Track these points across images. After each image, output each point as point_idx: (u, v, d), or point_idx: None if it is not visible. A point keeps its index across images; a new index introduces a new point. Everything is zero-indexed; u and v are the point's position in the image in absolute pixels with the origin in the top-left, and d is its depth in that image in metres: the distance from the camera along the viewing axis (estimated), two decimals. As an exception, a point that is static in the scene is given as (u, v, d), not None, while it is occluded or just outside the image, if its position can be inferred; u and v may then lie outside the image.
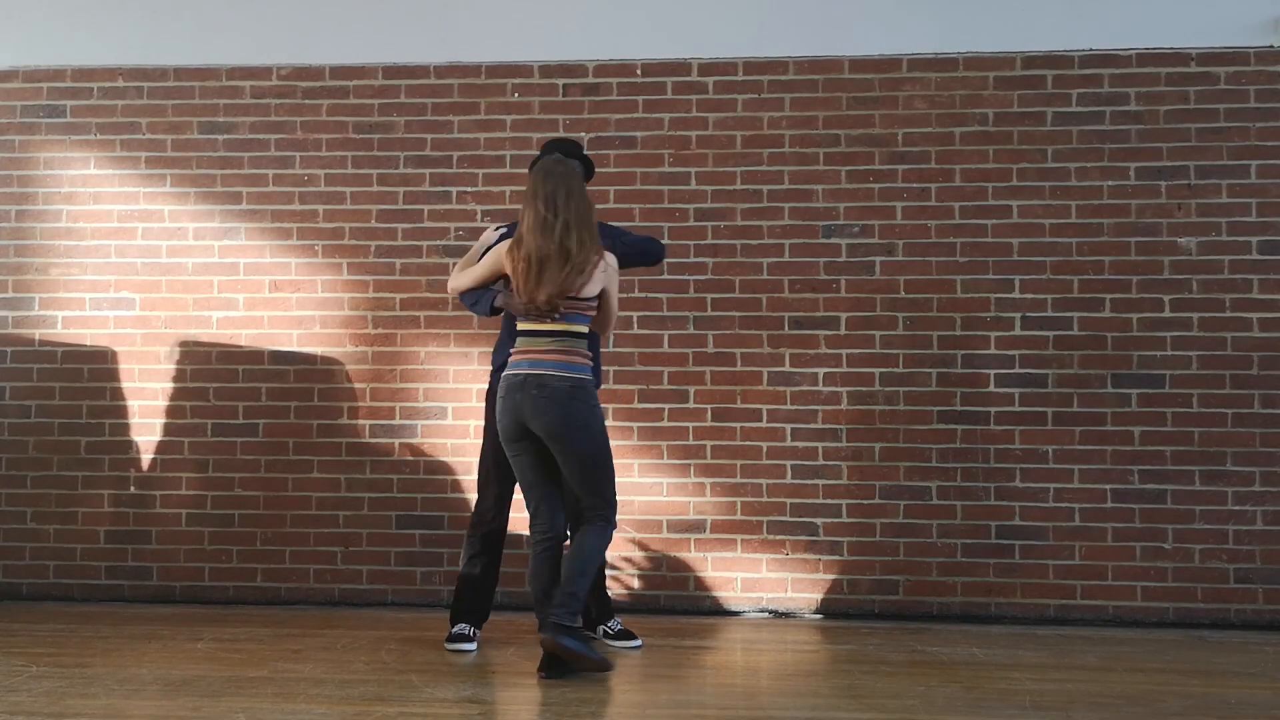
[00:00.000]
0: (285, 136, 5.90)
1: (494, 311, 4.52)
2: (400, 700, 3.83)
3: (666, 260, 5.62)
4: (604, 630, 4.82)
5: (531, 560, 4.34)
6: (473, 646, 4.63)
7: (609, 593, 5.10)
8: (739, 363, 5.63)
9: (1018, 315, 5.55)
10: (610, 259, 4.29)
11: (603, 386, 5.62)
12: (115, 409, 5.86)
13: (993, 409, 5.53)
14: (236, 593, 5.75)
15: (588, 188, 4.41)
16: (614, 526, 4.33)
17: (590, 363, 4.31)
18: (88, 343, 5.89)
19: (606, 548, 4.38)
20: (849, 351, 5.60)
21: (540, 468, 4.31)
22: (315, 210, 5.86)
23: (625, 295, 5.49)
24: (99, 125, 5.97)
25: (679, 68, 5.77)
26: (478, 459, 4.83)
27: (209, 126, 5.93)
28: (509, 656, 4.55)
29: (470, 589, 4.72)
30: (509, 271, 4.29)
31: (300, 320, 5.82)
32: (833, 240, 5.65)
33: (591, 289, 4.23)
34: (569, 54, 5.80)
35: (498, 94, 5.83)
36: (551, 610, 4.14)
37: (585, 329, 4.29)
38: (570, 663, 4.14)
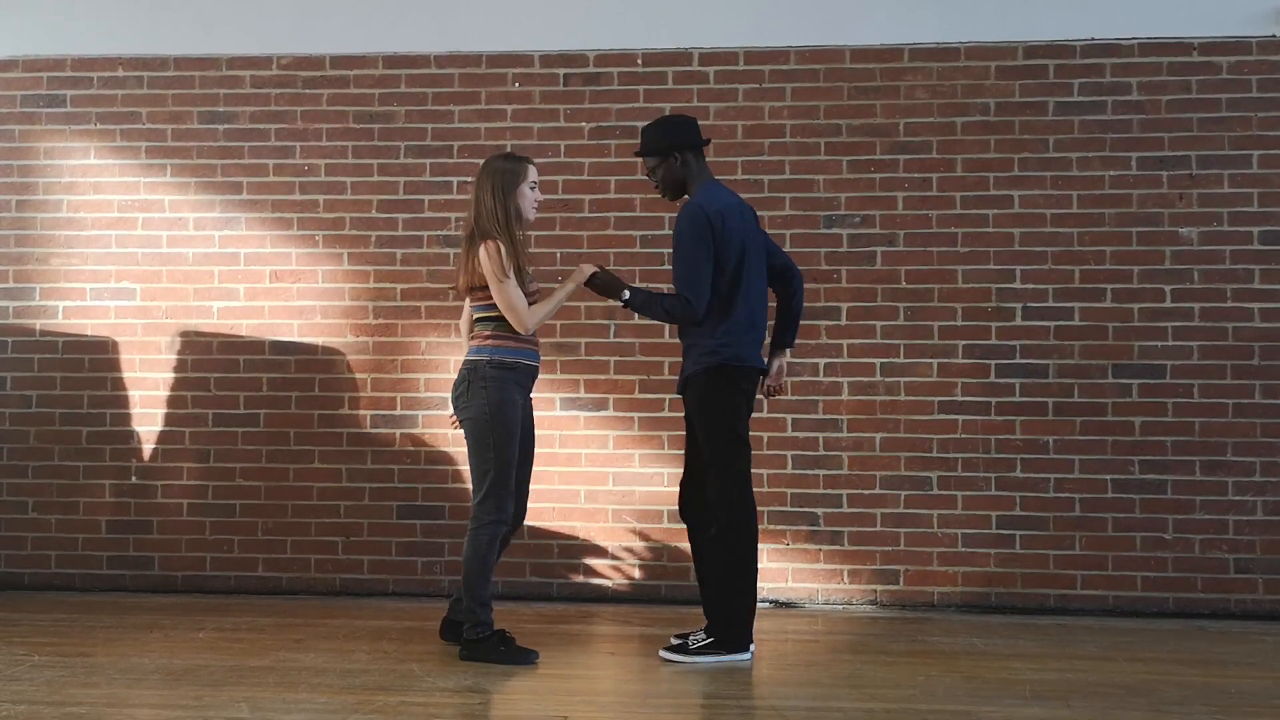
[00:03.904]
0: (286, 126, 5.89)
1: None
2: (401, 689, 3.84)
3: (667, 251, 5.61)
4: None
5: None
6: None
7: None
8: (740, 353, 5.61)
9: (1019, 305, 5.55)
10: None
11: (604, 377, 5.67)
12: (116, 399, 5.86)
13: (993, 399, 5.53)
14: (238, 582, 5.76)
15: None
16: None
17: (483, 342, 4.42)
18: (89, 333, 5.89)
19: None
20: (849, 342, 5.60)
21: None
22: (316, 200, 5.85)
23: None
24: (99, 115, 5.96)
25: (680, 57, 5.76)
26: (718, 456, 4.39)
27: (209, 116, 5.92)
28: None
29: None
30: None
31: (301, 310, 5.82)
32: (834, 230, 5.65)
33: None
34: (570, 44, 5.79)
35: (498, 84, 5.82)
36: None
37: (484, 315, 4.43)
38: None
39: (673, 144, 4.46)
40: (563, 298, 4.53)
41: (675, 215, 5.61)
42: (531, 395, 4.62)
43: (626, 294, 4.44)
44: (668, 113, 5.37)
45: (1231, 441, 5.42)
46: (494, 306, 4.34)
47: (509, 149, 5.72)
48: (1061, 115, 5.59)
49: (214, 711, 3.55)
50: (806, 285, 5.56)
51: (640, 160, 4.69)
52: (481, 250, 4.29)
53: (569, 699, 3.78)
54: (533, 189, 4.49)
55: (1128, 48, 5.59)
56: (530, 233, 5.68)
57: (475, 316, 4.45)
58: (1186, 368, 5.46)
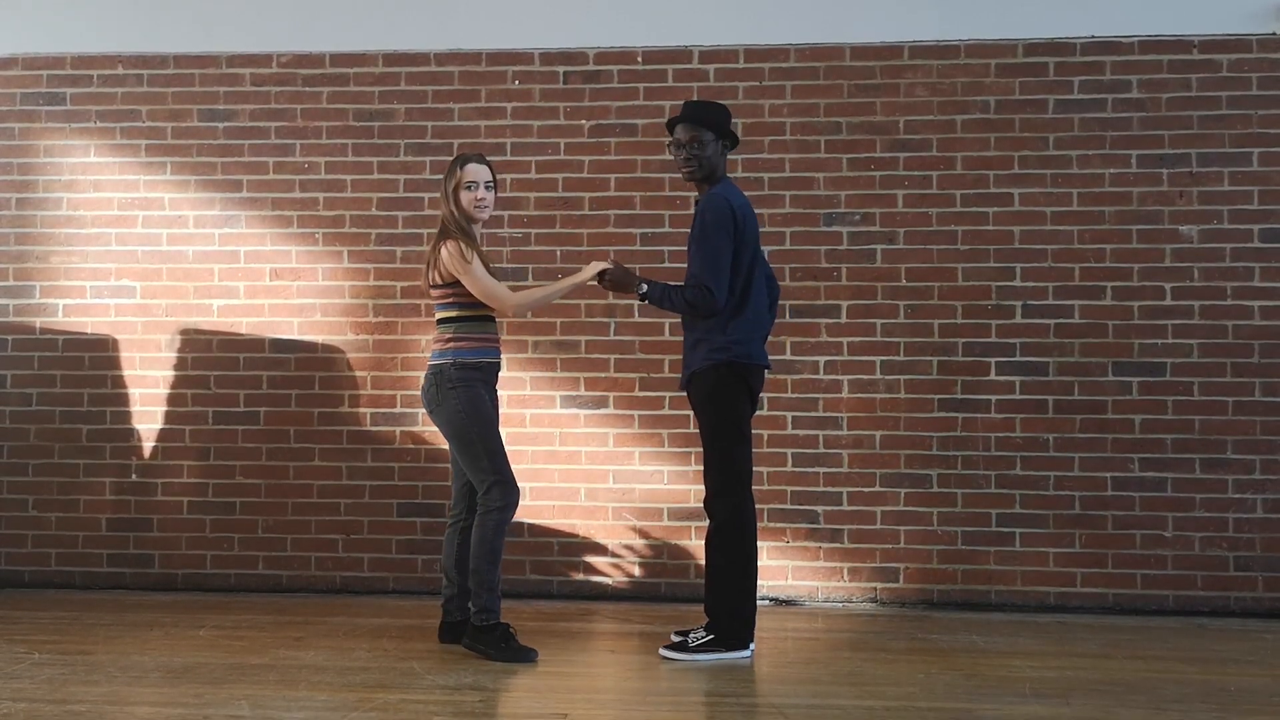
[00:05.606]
0: (285, 124, 5.89)
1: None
2: (402, 687, 3.84)
3: (667, 249, 5.64)
4: None
5: None
6: None
7: None
8: (740, 351, 5.61)
9: (1019, 303, 5.55)
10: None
11: (604, 375, 5.67)
12: (116, 397, 5.86)
13: (993, 397, 5.53)
14: (238, 580, 5.76)
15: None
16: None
17: (444, 346, 4.42)
18: (89, 331, 5.89)
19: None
20: (850, 339, 5.60)
21: None
22: (316, 198, 5.85)
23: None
24: (99, 113, 5.96)
25: (680, 55, 5.75)
26: (719, 453, 4.36)
27: (209, 114, 5.92)
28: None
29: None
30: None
31: (301, 308, 5.82)
32: (834, 228, 5.65)
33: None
34: (570, 41, 5.79)
35: (498, 81, 5.82)
36: None
37: (444, 315, 4.45)
38: None
39: (727, 131, 4.48)
40: (562, 289, 4.53)
41: (673, 213, 5.65)
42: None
43: (644, 288, 4.41)
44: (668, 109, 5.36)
45: (1231, 439, 5.42)
46: (453, 305, 4.39)
47: (508, 147, 5.74)
48: (1061, 113, 5.58)
49: (214, 709, 3.55)
50: (807, 282, 5.60)
51: (674, 133, 4.47)
52: (444, 250, 4.33)
53: (569, 696, 3.79)
54: (470, 189, 4.38)
55: (1128, 45, 5.59)
56: (525, 231, 5.72)
57: (437, 316, 4.47)
58: (1186, 365, 5.46)
